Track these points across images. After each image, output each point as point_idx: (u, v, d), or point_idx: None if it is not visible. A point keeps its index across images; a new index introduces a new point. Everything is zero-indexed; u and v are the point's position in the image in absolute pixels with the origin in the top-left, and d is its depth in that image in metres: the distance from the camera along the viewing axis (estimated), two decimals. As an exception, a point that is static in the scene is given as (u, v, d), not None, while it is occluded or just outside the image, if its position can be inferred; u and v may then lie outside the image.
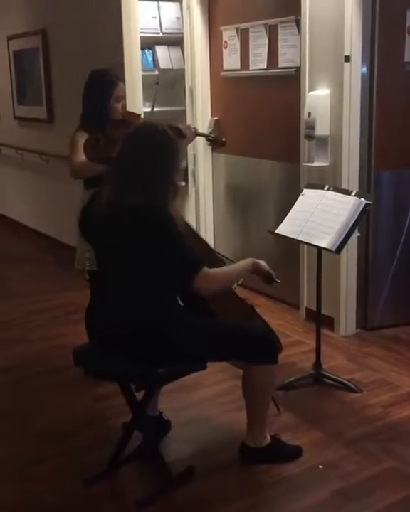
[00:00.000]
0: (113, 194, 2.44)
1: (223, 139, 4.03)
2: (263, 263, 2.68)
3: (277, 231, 3.36)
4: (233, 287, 2.82)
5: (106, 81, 3.42)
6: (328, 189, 3.30)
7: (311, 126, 3.96)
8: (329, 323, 4.11)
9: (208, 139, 4.04)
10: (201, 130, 4.07)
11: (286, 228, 3.32)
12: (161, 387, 2.89)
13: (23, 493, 2.64)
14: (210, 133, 3.98)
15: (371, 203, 3.21)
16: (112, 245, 2.50)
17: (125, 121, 3.26)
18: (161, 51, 5.08)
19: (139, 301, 2.49)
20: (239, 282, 2.77)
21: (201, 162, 5.03)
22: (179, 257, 2.41)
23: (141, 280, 2.48)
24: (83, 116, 3.47)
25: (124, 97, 3.49)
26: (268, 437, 2.77)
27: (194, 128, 3.72)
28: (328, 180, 3.89)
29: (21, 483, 2.70)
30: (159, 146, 2.44)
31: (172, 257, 2.41)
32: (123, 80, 3.51)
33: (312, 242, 3.19)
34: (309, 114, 3.97)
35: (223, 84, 5.03)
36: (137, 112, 3.77)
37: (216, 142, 4.05)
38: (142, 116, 3.75)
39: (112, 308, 2.56)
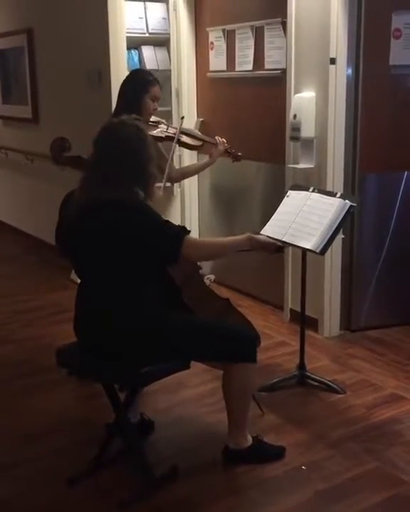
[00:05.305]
0: (88, 192, 2.46)
1: (239, 154, 4.11)
2: (261, 237, 2.71)
3: (261, 232, 3.34)
4: (207, 283, 2.82)
5: (146, 79, 3.57)
6: (313, 191, 3.31)
7: (296, 128, 3.98)
8: (313, 324, 4.12)
9: (230, 155, 4.13)
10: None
11: (271, 229, 3.31)
12: (142, 389, 2.88)
13: (4, 493, 2.61)
14: (229, 149, 4.09)
15: (355, 205, 3.21)
16: (90, 243, 2.49)
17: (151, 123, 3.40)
18: (147, 52, 5.07)
19: (118, 300, 2.48)
20: (212, 280, 2.77)
21: (187, 163, 5.02)
22: (162, 235, 2.42)
23: (121, 276, 2.48)
24: (115, 112, 3.50)
25: (159, 98, 3.59)
26: (250, 438, 2.77)
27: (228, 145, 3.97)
28: (313, 182, 3.91)
29: (2, 484, 2.68)
30: (128, 141, 2.48)
31: (155, 239, 2.42)
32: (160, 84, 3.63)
33: (297, 244, 3.19)
34: (294, 116, 3.98)
35: (209, 86, 5.04)
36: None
37: (235, 156, 4.12)
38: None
39: (93, 309, 2.55)
